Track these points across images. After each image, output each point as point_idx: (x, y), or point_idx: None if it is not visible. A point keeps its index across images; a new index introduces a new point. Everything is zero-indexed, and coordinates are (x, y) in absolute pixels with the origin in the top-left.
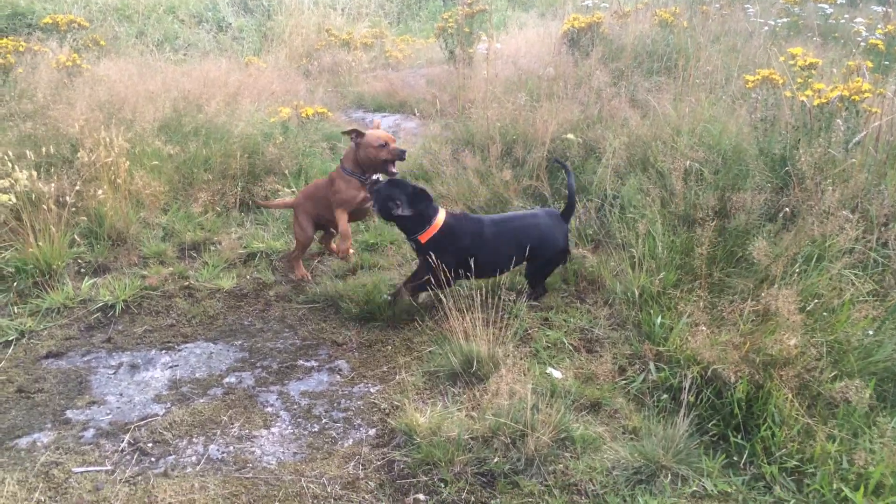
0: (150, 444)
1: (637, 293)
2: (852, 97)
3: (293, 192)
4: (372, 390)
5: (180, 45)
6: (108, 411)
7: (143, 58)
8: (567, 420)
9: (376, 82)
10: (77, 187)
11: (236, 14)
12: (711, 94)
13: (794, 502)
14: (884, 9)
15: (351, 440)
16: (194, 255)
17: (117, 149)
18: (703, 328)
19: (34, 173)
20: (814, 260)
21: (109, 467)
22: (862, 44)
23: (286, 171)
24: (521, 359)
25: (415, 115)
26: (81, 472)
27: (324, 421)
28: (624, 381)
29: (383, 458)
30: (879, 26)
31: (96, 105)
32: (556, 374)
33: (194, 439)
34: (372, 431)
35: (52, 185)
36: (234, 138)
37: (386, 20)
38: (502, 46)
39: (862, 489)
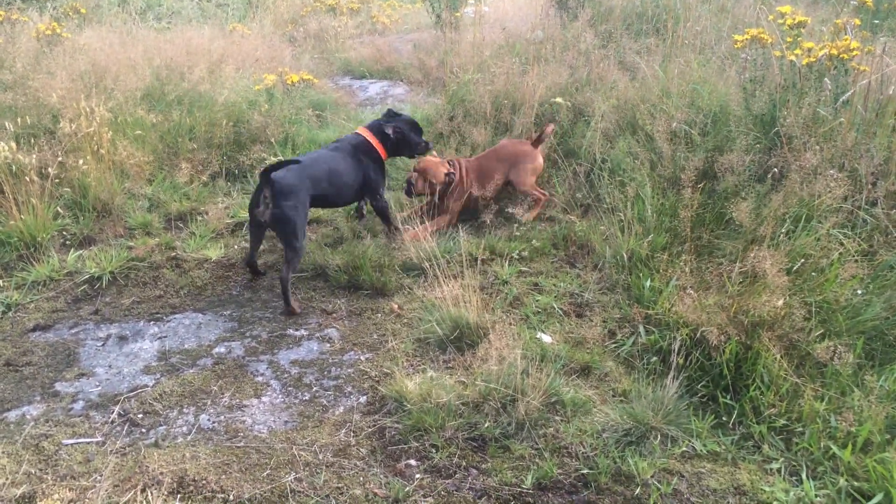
0: (140, 415)
1: (626, 257)
2: (841, 55)
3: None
4: (362, 358)
5: (163, 13)
6: (98, 383)
7: (125, 26)
8: (557, 384)
9: (363, 48)
10: (59, 158)
11: None
12: (701, 55)
13: (782, 461)
14: None
15: (342, 408)
16: (181, 225)
17: (99, 118)
18: (691, 291)
19: (14, 145)
20: (802, 220)
21: (100, 438)
22: (852, 2)
23: (272, 140)
24: (510, 324)
25: (402, 81)
26: (72, 444)
27: (314, 389)
28: (614, 345)
29: (374, 425)
30: None
31: (77, 74)
32: (546, 338)
33: (185, 409)
34: (363, 399)
35: (34, 156)
36: (219, 106)
37: None
38: (490, 10)
39: (850, 447)
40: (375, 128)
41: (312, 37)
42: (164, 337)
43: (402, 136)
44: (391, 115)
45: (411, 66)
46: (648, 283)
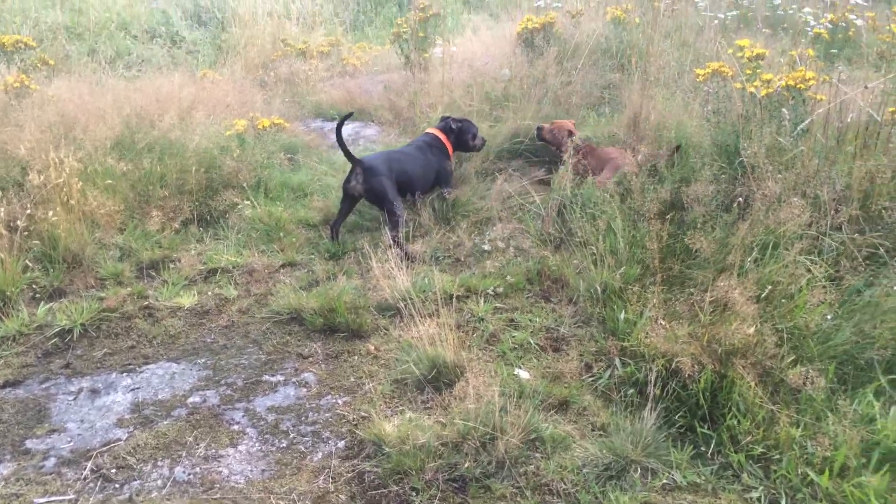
0: (113, 471)
1: (600, 290)
2: (797, 86)
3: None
4: (339, 402)
5: (133, 61)
6: (69, 439)
7: (95, 76)
8: (536, 420)
9: (334, 90)
10: (28, 210)
11: (190, 27)
12: (666, 89)
13: (761, 489)
14: None
15: (320, 454)
16: (153, 273)
17: (68, 169)
18: (662, 322)
19: None
20: (770, 248)
21: (72, 496)
22: (809, 33)
23: (244, 184)
24: (487, 361)
25: (373, 122)
26: (44, 503)
27: (291, 436)
28: (591, 378)
29: (353, 470)
30: (824, 16)
31: (46, 126)
32: (524, 374)
33: (159, 462)
34: (341, 444)
35: (2, 209)
36: (190, 153)
37: (342, 28)
38: (458, 49)
39: (827, 472)
40: (443, 126)
41: (283, 81)
42: (138, 388)
43: (461, 128)
44: (445, 119)
45: (382, 107)
46: (623, 315)
